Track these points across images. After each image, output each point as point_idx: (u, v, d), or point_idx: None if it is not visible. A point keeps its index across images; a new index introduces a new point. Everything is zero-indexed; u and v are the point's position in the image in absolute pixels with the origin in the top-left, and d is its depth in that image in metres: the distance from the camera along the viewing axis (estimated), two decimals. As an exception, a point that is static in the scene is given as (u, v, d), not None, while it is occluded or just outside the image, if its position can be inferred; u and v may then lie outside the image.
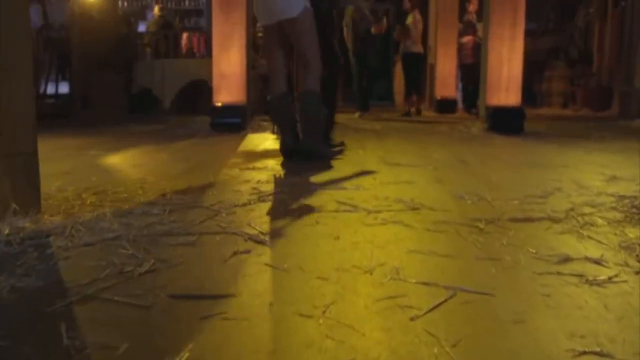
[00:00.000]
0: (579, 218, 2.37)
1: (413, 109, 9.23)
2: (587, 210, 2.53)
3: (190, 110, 9.01)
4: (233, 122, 6.03)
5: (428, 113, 9.69)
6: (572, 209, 2.53)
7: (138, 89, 9.33)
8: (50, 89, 9.69)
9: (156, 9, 11.17)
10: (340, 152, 4.42)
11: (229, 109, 6.05)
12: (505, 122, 5.98)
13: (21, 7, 2.28)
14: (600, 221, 2.33)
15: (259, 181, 3.25)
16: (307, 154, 3.99)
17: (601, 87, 10.62)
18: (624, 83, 9.91)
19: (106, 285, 1.61)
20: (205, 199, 2.75)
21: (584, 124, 7.71)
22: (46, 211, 2.45)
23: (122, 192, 2.92)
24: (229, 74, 6.08)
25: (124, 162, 4.11)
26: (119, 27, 9.95)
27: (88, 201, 2.69)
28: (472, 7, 9.54)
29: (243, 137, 5.60)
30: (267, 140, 5.29)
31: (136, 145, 4.96)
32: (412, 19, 9.06)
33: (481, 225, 2.24)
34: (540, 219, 2.37)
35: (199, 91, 9.16)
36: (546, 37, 12.39)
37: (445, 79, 9.82)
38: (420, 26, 9.22)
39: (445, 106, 9.64)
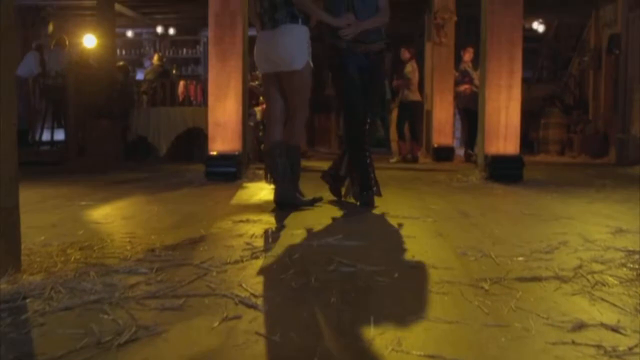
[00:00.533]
0: (589, 277, 2.25)
1: (409, 155, 9.27)
2: (596, 267, 2.41)
3: (186, 158, 8.94)
4: (228, 172, 5.93)
5: (425, 160, 9.64)
6: (580, 266, 2.41)
7: (134, 136, 9.28)
8: (46, 136, 9.67)
9: (155, 58, 11.27)
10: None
11: (224, 158, 5.96)
12: (505, 171, 5.89)
13: (5, 57, 2.20)
14: (611, 280, 2.21)
15: (252, 235, 3.13)
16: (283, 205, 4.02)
17: (598, 134, 10.63)
18: (620, 131, 9.92)
19: (81, 359, 1.47)
20: (196, 256, 2.62)
21: (582, 172, 7.66)
22: (27, 269, 2.32)
23: (109, 247, 2.79)
24: (224, 123, 6.02)
25: (113, 213, 3.99)
26: (116, 75, 9.96)
27: (72, 258, 2.55)
28: (468, 56, 9.63)
29: (238, 187, 5.49)
30: (262, 191, 5.18)
31: (128, 195, 4.85)
32: (411, 68, 9.23)
33: (486, 286, 2.11)
34: (548, 278, 2.24)
35: (195, 139, 9.12)
36: (541, 85, 12.49)
37: (442, 126, 9.79)
38: (417, 75, 9.37)
39: (443, 154, 9.58)
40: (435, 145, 9.76)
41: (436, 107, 9.83)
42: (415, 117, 9.70)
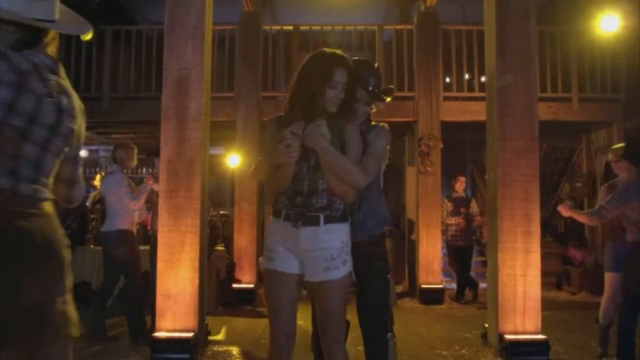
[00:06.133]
0: None
1: None
2: None
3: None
4: (180, 359, 4.66)
5: (411, 304, 8.44)
6: None
7: (77, 281, 7.90)
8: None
9: (97, 179, 8.99)
10: None
11: (174, 342, 4.69)
12: (526, 358, 4.73)
13: None
14: None
15: None
16: None
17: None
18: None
19: None
20: None
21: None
22: None
23: None
24: (176, 295, 4.79)
25: None
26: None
27: None
28: (460, 186, 8.81)
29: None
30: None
31: None
32: None
33: None
34: None
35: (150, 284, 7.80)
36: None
37: (429, 264, 8.68)
38: None
39: (431, 296, 8.42)
40: (423, 286, 8.59)
41: (422, 242, 8.77)
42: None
